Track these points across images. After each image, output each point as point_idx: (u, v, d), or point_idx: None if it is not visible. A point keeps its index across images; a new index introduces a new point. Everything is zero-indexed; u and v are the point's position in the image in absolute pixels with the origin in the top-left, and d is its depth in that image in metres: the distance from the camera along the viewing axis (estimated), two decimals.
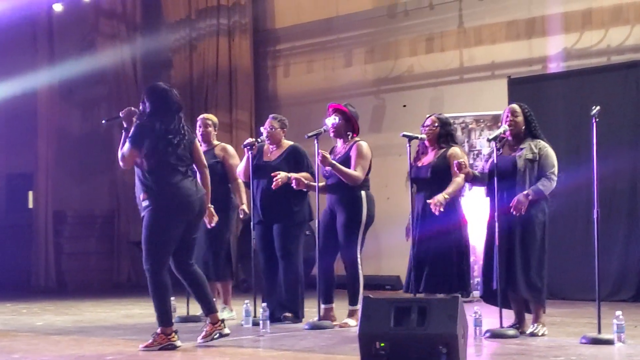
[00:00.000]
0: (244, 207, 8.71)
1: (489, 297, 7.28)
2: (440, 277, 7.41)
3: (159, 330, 6.76)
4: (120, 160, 6.80)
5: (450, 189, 7.36)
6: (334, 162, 7.90)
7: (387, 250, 12.29)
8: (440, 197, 7.24)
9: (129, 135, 6.76)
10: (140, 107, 6.84)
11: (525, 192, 6.97)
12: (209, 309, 6.86)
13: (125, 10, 15.57)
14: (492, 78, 12.40)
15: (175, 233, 6.72)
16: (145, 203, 6.71)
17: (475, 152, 11.45)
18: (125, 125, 6.90)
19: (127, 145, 6.73)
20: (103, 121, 7.87)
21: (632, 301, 10.43)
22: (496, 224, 7.05)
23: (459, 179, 7.36)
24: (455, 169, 7.19)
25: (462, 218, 7.57)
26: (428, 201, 7.31)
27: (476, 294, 9.68)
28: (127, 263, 15.34)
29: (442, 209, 7.22)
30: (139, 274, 15.34)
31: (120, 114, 6.98)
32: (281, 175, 8.11)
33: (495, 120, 11.48)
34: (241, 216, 8.77)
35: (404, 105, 13.30)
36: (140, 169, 6.76)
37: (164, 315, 6.77)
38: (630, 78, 10.76)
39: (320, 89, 14.19)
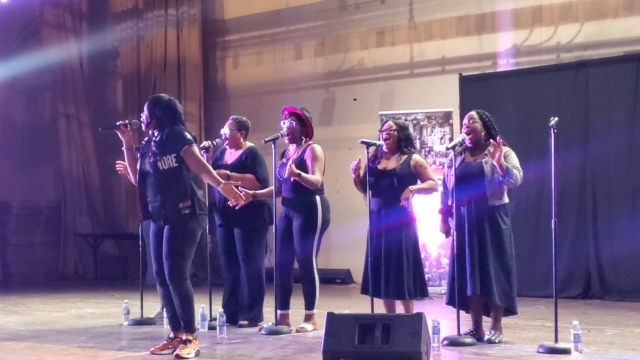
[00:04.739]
0: None
1: (454, 303, 7.26)
2: (401, 285, 7.43)
3: (190, 337, 6.73)
4: (202, 165, 6.69)
5: (422, 185, 7.45)
6: (301, 173, 7.85)
7: (337, 244, 12.31)
8: (407, 193, 7.34)
9: (191, 138, 6.68)
10: (149, 118, 6.72)
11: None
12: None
13: None
14: (442, 73, 12.46)
15: None
16: (187, 211, 6.60)
17: (427, 149, 11.50)
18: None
19: (194, 147, 6.65)
20: (100, 129, 7.58)
21: (580, 298, 10.61)
22: (466, 230, 7.12)
23: (433, 182, 7.49)
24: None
25: (412, 216, 7.59)
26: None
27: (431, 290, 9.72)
28: (74, 255, 15.22)
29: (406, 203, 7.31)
30: (85, 266, 15.22)
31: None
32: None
33: (446, 118, 11.54)
34: None
35: (355, 99, 13.32)
36: (177, 172, 6.62)
37: (193, 320, 6.78)
38: (580, 77, 10.86)
39: (270, 81, 14.15)
